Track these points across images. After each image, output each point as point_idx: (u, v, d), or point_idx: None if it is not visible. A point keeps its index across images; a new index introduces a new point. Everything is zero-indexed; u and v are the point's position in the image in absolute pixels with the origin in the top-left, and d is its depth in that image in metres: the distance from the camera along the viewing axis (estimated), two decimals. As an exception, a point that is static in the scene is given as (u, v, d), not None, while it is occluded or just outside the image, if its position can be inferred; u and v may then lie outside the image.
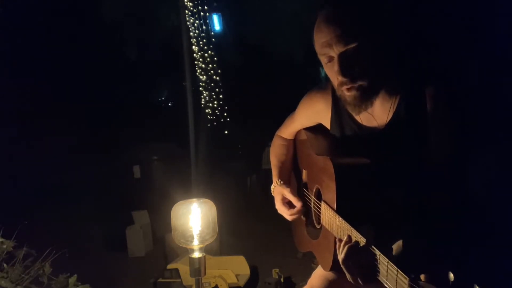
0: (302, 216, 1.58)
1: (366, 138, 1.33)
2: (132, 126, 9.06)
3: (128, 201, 5.38)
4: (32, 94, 8.31)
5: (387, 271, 0.97)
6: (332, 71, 1.25)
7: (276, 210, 1.60)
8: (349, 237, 1.14)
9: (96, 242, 4.86)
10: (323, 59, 1.26)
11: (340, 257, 1.13)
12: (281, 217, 1.58)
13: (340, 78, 1.22)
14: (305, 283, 1.50)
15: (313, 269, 1.52)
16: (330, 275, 1.42)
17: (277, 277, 3.41)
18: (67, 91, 8.98)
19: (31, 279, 2.02)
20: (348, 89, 1.23)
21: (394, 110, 1.27)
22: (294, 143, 1.70)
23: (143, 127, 8.90)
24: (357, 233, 1.11)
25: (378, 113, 1.29)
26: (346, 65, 1.20)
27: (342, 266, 1.13)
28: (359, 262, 1.07)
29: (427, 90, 1.23)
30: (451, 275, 0.80)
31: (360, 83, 1.22)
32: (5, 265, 1.99)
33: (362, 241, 1.09)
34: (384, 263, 0.98)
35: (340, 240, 1.16)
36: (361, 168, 1.28)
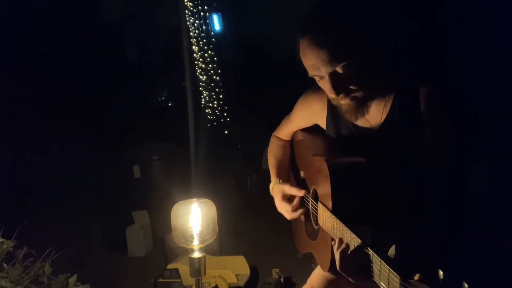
0: (301, 217, 1.58)
1: (362, 138, 1.34)
2: (132, 126, 9.05)
3: (128, 201, 5.37)
4: (32, 94, 8.30)
5: (379, 271, 0.96)
6: (325, 87, 1.26)
7: (276, 210, 1.59)
8: (341, 240, 1.14)
9: (96, 242, 4.85)
10: (315, 78, 1.27)
11: (336, 259, 1.14)
12: (281, 217, 1.57)
13: (333, 96, 1.25)
14: (305, 283, 1.50)
15: (313, 269, 1.52)
16: (329, 275, 1.42)
17: (277, 277, 3.41)
18: (67, 91, 8.97)
19: (31, 279, 2.01)
20: (343, 100, 1.26)
21: (388, 110, 1.28)
22: (291, 144, 1.70)
23: (143, 127, 8.88)
24: (352, 233, 1.10)
25: (372, 114, 1.30)
26: (338, 84, 1.22)
27: (338, 269, 1.13)
28: (354, 263, 1.07)
29: (420, 90, 1.24)
30: (441, 273, 0.80)
31: (354, 95, 1.24)
32: (5, 265, 1.99)
33: (356, 241, 1.08)
34: (377, 263, 0.98)
35: (340, 241, 1.16)
36: (356, 168, 1.28)
